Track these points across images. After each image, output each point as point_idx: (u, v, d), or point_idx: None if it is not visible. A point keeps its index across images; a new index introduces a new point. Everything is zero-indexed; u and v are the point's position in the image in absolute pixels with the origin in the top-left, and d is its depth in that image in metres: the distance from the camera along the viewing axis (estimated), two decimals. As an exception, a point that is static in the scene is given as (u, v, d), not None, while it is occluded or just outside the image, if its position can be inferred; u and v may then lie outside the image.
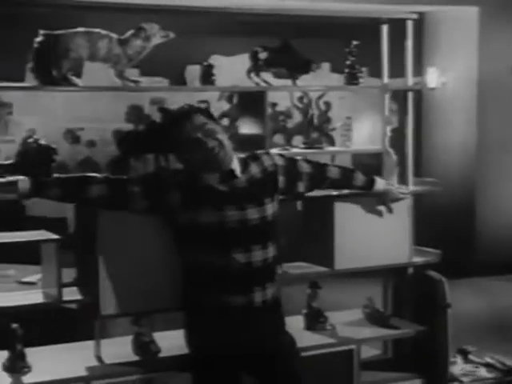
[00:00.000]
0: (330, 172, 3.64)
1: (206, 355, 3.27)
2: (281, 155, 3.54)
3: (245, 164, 3.31)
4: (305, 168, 3.53)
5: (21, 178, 3.19)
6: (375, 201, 3.98)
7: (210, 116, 3.25)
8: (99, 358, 3.64)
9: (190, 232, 3.24)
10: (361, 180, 3.76)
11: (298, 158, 3.64)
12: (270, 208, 3.29)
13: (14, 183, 3.18)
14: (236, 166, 3.25)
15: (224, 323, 3.25)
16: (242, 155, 3.36)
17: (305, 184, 3.53)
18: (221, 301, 3.23)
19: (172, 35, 3.74)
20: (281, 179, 3.40)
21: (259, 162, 3.36)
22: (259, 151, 3.48)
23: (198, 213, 3.18)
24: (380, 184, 3.82)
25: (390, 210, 4.01)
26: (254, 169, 3.32)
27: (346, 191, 3.88)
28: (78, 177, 3.37)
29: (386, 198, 3.93)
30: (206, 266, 3.22)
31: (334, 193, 3.92)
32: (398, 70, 4.44)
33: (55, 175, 3.40)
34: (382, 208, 4.02)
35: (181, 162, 3.29)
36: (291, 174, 3.46)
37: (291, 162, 3.51)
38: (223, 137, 3.20)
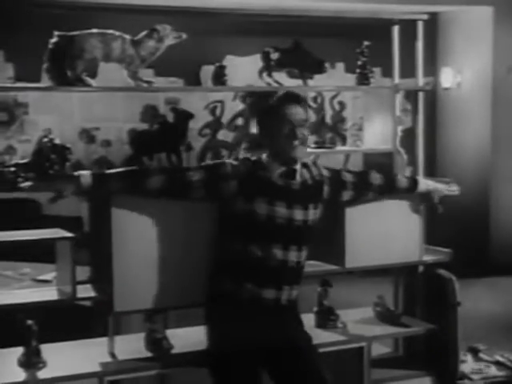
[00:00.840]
0: (372, 178, 3.77)
1: (227, 348, 3.31)
2: (326, 167, 3.63)
3: (300, 168, 3.44)
4: (348, 177, 3.67)
5: (82, 172, 3.26)
6: (419, 200, 4.05)
7: (307, 114, 3.43)
8: (113, 354, 3.68)
9: (237, 220, 3.34)
10: (404, 182, 3.88)
11: (341, 168, 3.83)
12: (312, 214, 3.43)
13: (76, 178, 3.24)
14: (299, 167, 3.41)
15: (250, 315, 3.33)
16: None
17: (350, 193, 3.67)
18: (251, 292, 3.32)
19: (185, 36, 3.78)
20: (326, 189, 3.55)
21: (309, 169, 3.50)
22: (307, 161, 3.62)
23: (252, 202, 3.29)
24: (423, 184, 3.93)
25: (438, 209, 4.05)
26: (306, 175, 3.46)
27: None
28: (138, 169, 3.46)
29: (431, 197, 3.99)
30: (244, 256, 3.32)
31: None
32: (413, 70, 4.46)
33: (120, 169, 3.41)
34: (427, 207, 4.10)
35: (263, 139, 3.41)
36: (336, 184, 3.60)
37: (335, 172, 3.65)
38: (307, 135, 3.40)
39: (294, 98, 3.41)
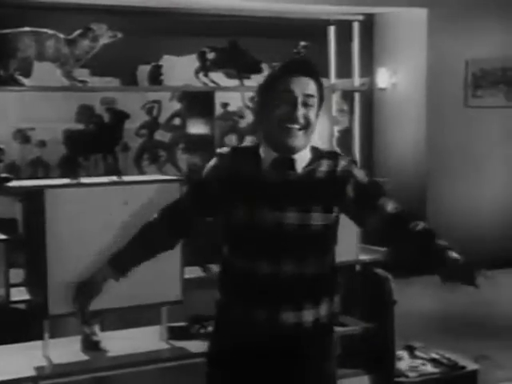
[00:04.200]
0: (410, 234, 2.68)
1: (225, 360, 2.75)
2: (360, 170, 2.77)
3: (316, 157, 2.69)
4: (389, 208, 2.68)
5: (99, 268, 2.89)
6: None
7: (320, 91, 2.64)
8: (48, 358, 3.63)
9: (226, 229, 2.74)
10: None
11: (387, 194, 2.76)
12: (319, 218, 2.64)
13: (100, 274, 2.87)
14: (302, 156, 2.65)
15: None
16: (322, 147, 2.77)
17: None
18: (242, 313, 2.69)
19: (120, 35, 3.75)
20: (350, 191, 2.69)
21: (334, 161, 2.69)
22: (342, 154, 2.82)
23: (236, 208, 2.64)
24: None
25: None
26: (323, 166, 2.68)
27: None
28: (143, 234, 2.88)
29: None
30: (232, 272, 2.72)
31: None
32: (349, 71, 4.50)
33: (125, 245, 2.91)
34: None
35: (256, 120, 2.82)
36: (366, 199, 2.70)
37: (375, 185, 2.78)
38: (314, 119, 2.62)
39: (300, 66, 2.64)
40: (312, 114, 2.60)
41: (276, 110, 2.58)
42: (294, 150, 2.61)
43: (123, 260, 2.86)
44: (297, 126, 2.57)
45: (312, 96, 2.59)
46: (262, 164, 2.65)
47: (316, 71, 2.64)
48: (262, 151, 2.66)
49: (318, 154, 2.69)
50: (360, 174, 2.71)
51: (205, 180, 2.76)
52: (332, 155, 2.72)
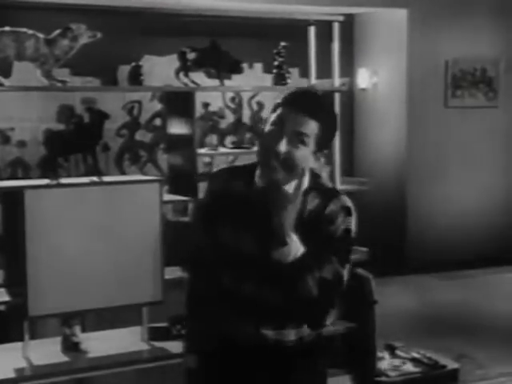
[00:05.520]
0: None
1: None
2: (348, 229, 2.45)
3: (312, 188, 2.44)
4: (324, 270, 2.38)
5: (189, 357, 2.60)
6: None
7: (323, 129, 2.38)
8: (28, 360, 3.62)
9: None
10: None
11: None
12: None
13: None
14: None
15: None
16: (324, 180, 2.54)
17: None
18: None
19: (99, 35, 3.74)
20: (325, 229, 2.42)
21: (326, 200, 2.44)
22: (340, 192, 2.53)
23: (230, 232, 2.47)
24: None
25: None
26: (314, 201, 2.43)
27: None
28: (201, 308, 2.59)
29: None
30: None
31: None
32: (330, 71, 4.51)
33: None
34: None
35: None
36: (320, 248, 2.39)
37: (339, 243, 2.44)
38: (301, 159, 2.36)
39: (299, 102, 2.40)
40: (300, 153, 2.34)
41: (263, 139, 2.39)
42: (275, 183, 2.36)
43: (194, 339, 2.62)
44: (275, 163, 2.34)
45: (305, 135, 2.34)
46: (254, 186, 2.44)
47: (320, 109, 2.39)
48: (257, 173, 2.45)
49: (315, 185, 2.45)
50: (339, 225, 2.41)
51: (211, 211, 2.53)
52: (329, 193, 2.47)
